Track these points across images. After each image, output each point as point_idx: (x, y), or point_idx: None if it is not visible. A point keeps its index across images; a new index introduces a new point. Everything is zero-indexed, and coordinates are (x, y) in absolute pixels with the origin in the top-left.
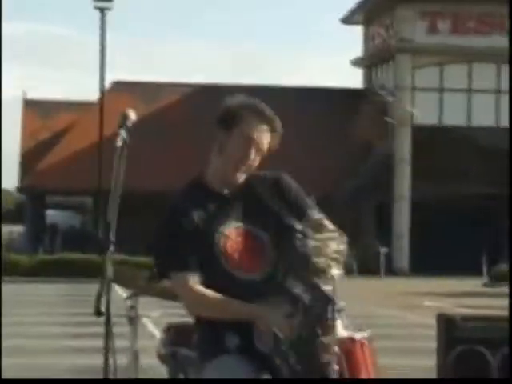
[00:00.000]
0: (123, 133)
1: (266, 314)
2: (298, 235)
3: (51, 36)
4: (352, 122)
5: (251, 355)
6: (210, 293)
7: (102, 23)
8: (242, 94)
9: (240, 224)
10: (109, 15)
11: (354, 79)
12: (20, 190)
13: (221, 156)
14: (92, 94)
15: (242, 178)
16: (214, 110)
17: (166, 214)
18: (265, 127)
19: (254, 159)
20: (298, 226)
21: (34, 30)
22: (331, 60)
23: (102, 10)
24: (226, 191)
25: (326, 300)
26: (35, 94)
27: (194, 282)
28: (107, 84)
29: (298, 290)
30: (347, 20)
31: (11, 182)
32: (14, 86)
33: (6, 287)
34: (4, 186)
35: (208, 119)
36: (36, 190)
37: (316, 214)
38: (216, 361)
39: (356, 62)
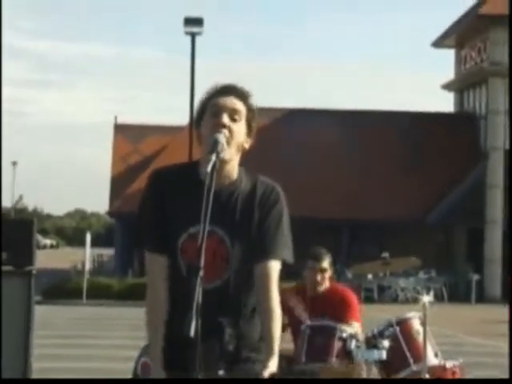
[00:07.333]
0: (213, 157)
1: (151, 353)
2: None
3: (141, 59)
4: (444, 147)
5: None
6: (154, 296)
7: (192, 47)
8: (331, 117)
9: (211, 226)
10: (199, 39)
11: (446, 103)
12: (110, 214)
13: (202, 146)
14: (182, 118)
15: (234, 171)
16: (305, 133)
17: (146, 192)
18: (223, 96)
19: (237, 131)
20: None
21: (123, 53)
22: (421, 83)
23: (192, 35)
24: (217, 186)
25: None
26: (126, 118)
27: (159, 269)
28: None
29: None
30: (438, 43)
31: (102, 206)
32: (105, 110)
33: (96, 310)
34: (95, 209)
35: (299, 143)
36: (125, 214)
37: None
38: None
39: (447, 86)
